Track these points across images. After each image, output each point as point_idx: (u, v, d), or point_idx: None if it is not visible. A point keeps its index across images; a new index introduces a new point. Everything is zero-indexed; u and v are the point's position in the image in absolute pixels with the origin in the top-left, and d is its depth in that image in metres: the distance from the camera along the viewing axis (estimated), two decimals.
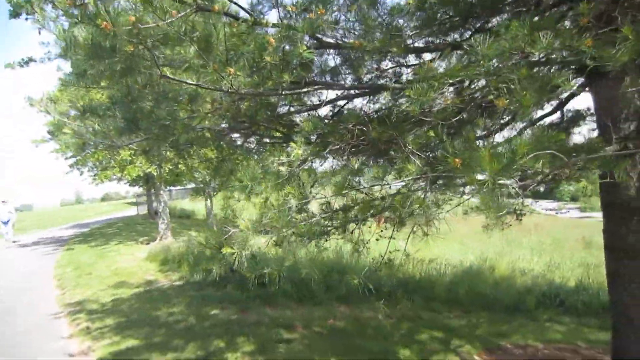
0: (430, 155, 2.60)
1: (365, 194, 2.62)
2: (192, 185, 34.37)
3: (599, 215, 4.23)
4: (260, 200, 3.52)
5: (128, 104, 3.82)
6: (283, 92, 3.41)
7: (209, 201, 21.56)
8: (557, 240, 16.73)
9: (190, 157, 6.29)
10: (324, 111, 5.34)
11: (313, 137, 3.48)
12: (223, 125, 5.47)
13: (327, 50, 3.72)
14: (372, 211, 2.74)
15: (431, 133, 2.44)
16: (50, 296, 8.82)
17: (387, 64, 3.97)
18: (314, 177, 3.24)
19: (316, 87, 3.57)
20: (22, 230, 28.09)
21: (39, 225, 31.11)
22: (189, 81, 3.05)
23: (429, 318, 7.00)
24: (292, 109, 5.06)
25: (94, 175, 20.27)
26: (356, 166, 2.93)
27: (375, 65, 3.82)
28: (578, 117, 4.96)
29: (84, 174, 21.53)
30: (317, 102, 4.78)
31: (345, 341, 5.53)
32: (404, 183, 2.44)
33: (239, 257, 2.71)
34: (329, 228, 3.67)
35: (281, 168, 3.44)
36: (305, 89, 3.44)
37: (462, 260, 11.65)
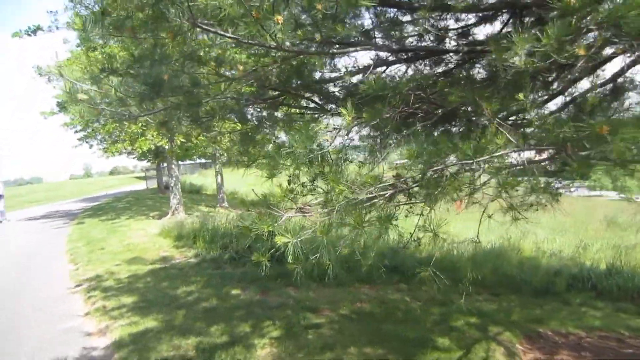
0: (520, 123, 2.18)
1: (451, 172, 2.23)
2: (202, 160, 34.24)
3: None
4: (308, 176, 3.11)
5: (153, 62, 3.39)
6: (332, 51, 2.96)
7: (219, 177, 21.24)
8: (579, 220, 16.23)
9: (210, 130, 5.86)
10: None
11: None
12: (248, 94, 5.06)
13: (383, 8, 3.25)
14: (461, 192, 2.35)
15: (520, 96, 2.01)
16: (63, 272, 8.59)
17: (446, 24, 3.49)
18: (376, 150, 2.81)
19: (368, 46, 3.10)
20: (33, 202, 28.20)
21: (49, 198, 31.16)
22: (225, 34, 2.61)
23: (457, 299, 6.65)
24: (324, 76, 4.62)
25: (104, 149, 19.98)
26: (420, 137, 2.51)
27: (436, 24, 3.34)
28: None
29: (93, 147, 21.27)
30: (353, 69, 4.33)
31: (376, 326, 5.20)
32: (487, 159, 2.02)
33: (293, 246, 2.32)
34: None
35: (326, 137, 3.03)
36: (356, 48, 2.98)
37: (482, 240, 11.27)
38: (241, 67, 3.45)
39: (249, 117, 5.41)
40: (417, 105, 2.99)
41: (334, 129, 2.82)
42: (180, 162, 29.61)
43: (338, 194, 2.28)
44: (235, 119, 5.35)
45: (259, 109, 5.25)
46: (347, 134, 2.85)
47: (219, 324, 5.14)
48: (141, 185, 36.41)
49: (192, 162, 36.26)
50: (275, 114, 5.29)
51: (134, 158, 30.20)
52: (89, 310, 6.15)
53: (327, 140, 2.96)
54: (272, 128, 5.38)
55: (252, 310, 5.59)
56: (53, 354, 4.76)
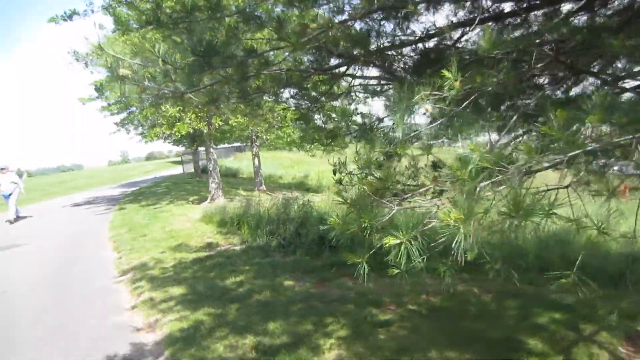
0: None
1: None
2: (236, 143, 34.13)
3: None
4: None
5: (205, 25, 2.87)
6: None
7: (256, 159, 20.91)
8: None
9: (261, 107, 5.35)
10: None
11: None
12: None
13: None
14: None
15: None
16: (107, 260, 8.39)
17: None
18: None
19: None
20: (76, 189, 28.84)
21: (90, 185, 31.85)
22: None
23: (533, 293, 5.98)
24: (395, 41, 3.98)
25: (142, 134, 19.95)
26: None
27: None
28: None
29: (130, 133, 21.32)
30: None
31: (452, 324, 4.64)
32: None
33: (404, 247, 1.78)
34: None
35: (428, 108, 2.43)
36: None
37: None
38: (314, 25, 2.85)
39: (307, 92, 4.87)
40: (540, 66, 2.35)
41: (439, 98, 2.21)
42: (215, 146, 29.61)
43: (472, 175, 1.70)
44: (291, 95, 4.80)
45: (318, 82, 4.69)
46: (452, 104, 2.23)
47: (277, 320, 4.68)
48: (178, 170, 36.73)
49: (228, 145, 36.24)
50: (334, 88, 4.71)
51: (169, 143, 30.34)
52: (135, 303, 5.84)
53: (427, 112, 2.36)
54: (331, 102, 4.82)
55: (311, 304, 5.11)
56: (105, 353, 4.44)
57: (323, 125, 4.42)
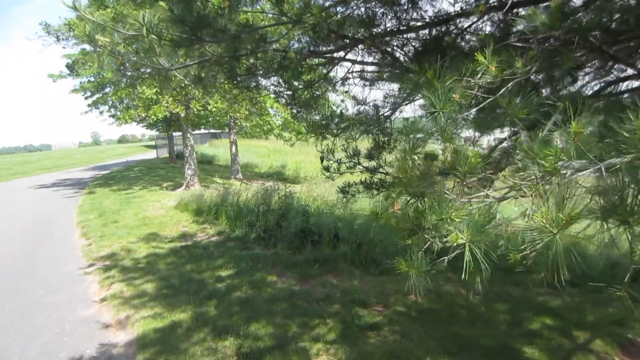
0: None
1: None
2: (212, 130, 33.31)
3: None
4: None
5: None
6: None
7: (234, 147, 20.39)
8: None
9: (251, 90, 4.96)
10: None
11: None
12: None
13: None
14: None
15: None
16: (75, 247, 7.90)
17: None
18: None
19: None
20: (43, 170, 27.68)
21: (59, 166, 30.63)
22: None
23: (520, 295, 5.85)
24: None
25: (116, 116, 19.11)
26: None
27: None
28: None
29: (104, 114, 20.44)
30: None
31: (443, 329, 4.42)
32: None
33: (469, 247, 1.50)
34: None
35: (455, 96, 2.14)
36: None
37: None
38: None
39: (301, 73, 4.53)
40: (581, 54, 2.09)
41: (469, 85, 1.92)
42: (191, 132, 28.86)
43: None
44: (281, 80, 4.45)
45: (314, 66, 4.36)
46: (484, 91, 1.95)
47: (260, 320, 4.37)
48: (151, 154, 35.70)
49: (204, 131, 35.40)
50: (332, 74, 4.38)
51: (143, 126, 29.38)
52: (105, 296, 5.43)
53: (456, 99, 2.07)
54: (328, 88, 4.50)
55: (295, 303, 4.82)
56: (69, 352, 4.05)
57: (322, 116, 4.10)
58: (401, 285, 5.67)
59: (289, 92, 4.69)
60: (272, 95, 5.28)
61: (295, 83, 4.61)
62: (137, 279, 5.81)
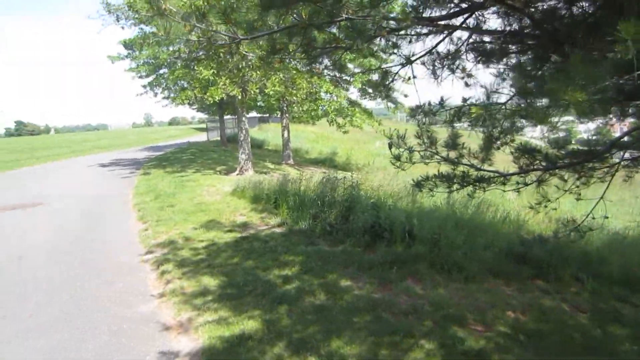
0: None
1: None
2: (259, 115, 33.00)
3: None
4: None
5: None
6: None
7: (286, 132, 19.90)
8: None
9: (327, 68, 4.30)
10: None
11: None
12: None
13: None
14: None
15: None
16: (132, 231, 7.61)
17: None
18: None
19: None
20: (101, 149, 28.49)
21: (114, 146, 31.46)
22: None
23: (630, 314, 4.92)
24: None
25: (171, 97, 19.06)
26: None
27: None
28: None
29: (158, 96, 20.49)
30: None
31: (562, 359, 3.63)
32: None
33: None
34: None
35: None
36: None
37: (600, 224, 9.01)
38: None
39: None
40: None
41: None
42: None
43: None
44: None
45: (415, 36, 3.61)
46: None
47: (341, 335, 3.74)
48: (202, 137, 35.98)
49: (253, 115, 35.26)
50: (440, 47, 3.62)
51: (195, 109, 29.45)
52: (164, 290, 5.00)
53: None
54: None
55: (380, 315, 4.14)
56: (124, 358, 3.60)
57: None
58: (494, 297, 4.91)
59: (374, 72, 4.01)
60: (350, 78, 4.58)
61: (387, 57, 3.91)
62: (197, 273, 5.34)
